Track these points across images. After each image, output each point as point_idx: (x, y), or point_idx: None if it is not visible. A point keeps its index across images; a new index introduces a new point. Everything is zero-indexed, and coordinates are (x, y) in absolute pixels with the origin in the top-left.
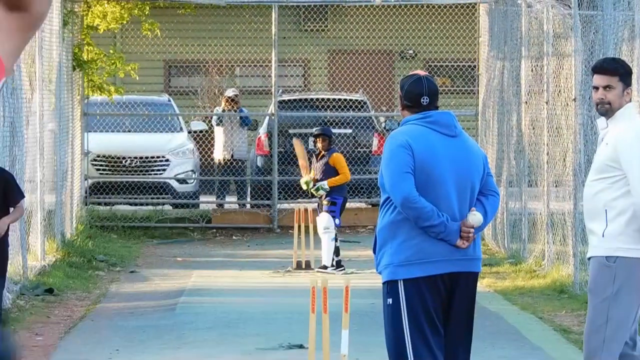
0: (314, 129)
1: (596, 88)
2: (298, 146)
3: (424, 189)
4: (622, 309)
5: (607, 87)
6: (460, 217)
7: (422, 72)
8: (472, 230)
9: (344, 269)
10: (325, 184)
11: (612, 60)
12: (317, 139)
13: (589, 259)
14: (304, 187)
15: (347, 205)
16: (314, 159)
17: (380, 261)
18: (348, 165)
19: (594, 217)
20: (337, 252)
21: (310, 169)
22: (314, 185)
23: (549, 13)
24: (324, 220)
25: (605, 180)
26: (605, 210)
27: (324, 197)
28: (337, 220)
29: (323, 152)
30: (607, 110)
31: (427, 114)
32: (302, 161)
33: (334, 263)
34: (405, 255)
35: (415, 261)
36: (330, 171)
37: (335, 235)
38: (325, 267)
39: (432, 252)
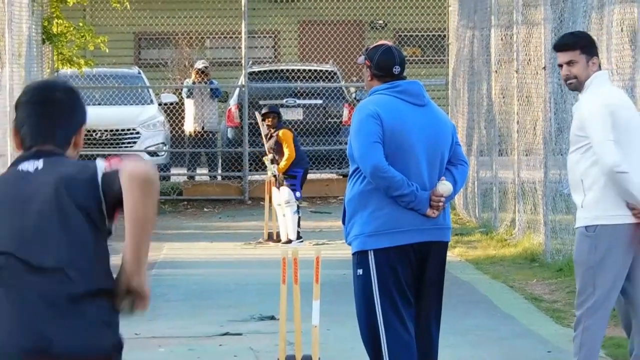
0: (262, 109)
1: (560, 66)
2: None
3: (393, 159)
4: (609, 277)
5: (570, 63)
6: (430, 186)
7: (389, 42)
8: (442, 199)
9: (302, 240)
10: (275, 169)
11: (570, 35)
12: (267, 118)
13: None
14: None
15: (318, 176)
16: (264, 140)
17: (350, 232)
18: (319, 136)
19: (574, 189)
20: (298, 223)
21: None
22: (271, 162)
23: None
24: (285, 194)
25: (577, 151)
26: (582, 180)
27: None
28: (297, 194)
29: (272, 132)
30: (575, 85)
31: (395, 83)
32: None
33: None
34: (374, 225)
35: (385, 231)
36: (281, 148)
37: (298, 207)
38: (290, 241)
39: (402, 222)
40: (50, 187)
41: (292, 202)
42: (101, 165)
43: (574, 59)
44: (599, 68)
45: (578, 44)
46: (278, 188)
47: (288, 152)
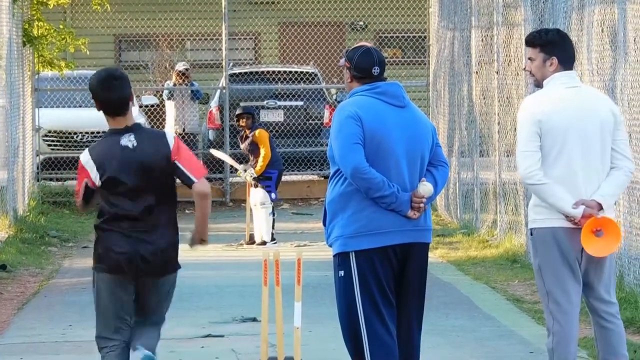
0: (237, 110)
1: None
2: (218, 154)
3: (373, 160)
4: (551, 280)
5: (529, 59)
6: (411, 187)
7: (368, 44)
8: (423, 200)
9: (275, 242)
10: (252, 172)
11: (537, 32)
12: (240, 119)
13: None
14: (242, 176)
15: (300, 177)
16: (240, 143)
17: (331, 233)
18: (300, 138)
19: None
20: (272, 225)
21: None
22: (245, 171)
23: None
24: (260, 196)
25: None
26: None
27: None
28: (272, 195)
29: (247, 133)
30: (535, 82)
31: (375, 85)
32: (230, 161)
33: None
34: (355, 226)
35: (366, 232)
36: (257, 149)
37: (273, 209)
38: (264, 243)
39: (382, 223)
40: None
41: (267, 204)
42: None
43: (532, 56)
44: (559, 67)
45: (536, 41)
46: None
47: (264, 151)
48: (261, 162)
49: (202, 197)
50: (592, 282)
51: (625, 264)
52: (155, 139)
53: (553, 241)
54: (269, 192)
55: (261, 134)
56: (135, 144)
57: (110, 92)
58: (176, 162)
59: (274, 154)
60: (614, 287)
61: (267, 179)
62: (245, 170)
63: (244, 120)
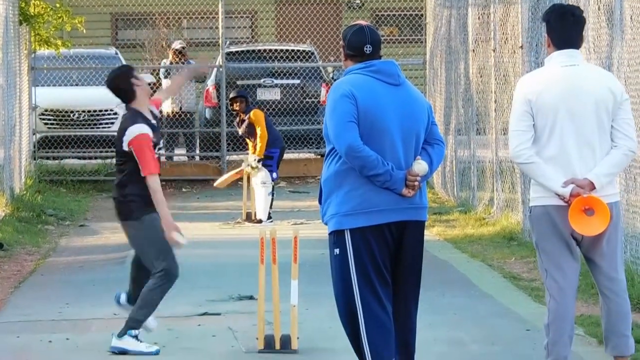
0: (231, 93)
1: None
2: (222, 182)
3: (368, 138)
4: (547, 257)
5: None
6: (406, 165)
7: (363, 22)
8: (418, 178)
9: (271, 221)
10: (252, 158)
11: (548, 8)
12: (234, 103)
13: None
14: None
15: (296, 156)
16: (238, 128)
17: (326, 211)
18: (297, 116)
19: None
20: (270, 204)
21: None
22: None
23: None
24: (261, 175)
25: None
26: None
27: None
28: (274, 174)
29: (242, 116)
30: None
31: (370, 63)
32: (232, 175)
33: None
34: (351, 205)
35: (361, 211)
36: (254, 130)
37: (273, 188)
38: (260, 221)
39: (378, 201)
40: None
41: (268, 183)
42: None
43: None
44: (553, 47)
45: (542, 18)
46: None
47: (260, 131)
48: (259, 143)
49: (151, 191)
50: (594, 258)
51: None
52: (123, 124)
53: (547, 219)
54: (271, 171)
55: (256, 115)
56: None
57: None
58: (132, 150)
59: (273, 133)
60: (622, 262)
61: (269, 158)
62: (248, 165)
63: (238, 104)
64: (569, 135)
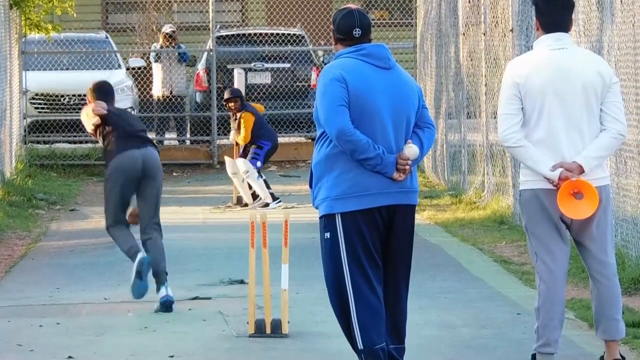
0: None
1: None
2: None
3: (359, 122)
4: (536, 240)
5: None
6: (397, 149)
7: (353, 6)
8: (408, 162)
9: (280, 200)
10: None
11: None
12: (229, 103)
13: None
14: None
15: (287, 140)
16: (233, 129)
17: (317, 195)
18: (287, 100)
19: None
20: (267, 185)
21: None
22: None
23: None
24: (240, 166)
25: None
26: None
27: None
28: (258, 163)
29: (237, 115)
30: None
31: (360, 46)
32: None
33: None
34: (341, 188)
35: (351, 194)
36: (255, 128)
37: (259, 172)
38: (267, 205)
39: (368, 185)
40: None
41: (251, 170)
42: None
43: None
44: (542, 31)
45: (531, 2)
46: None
47: (244, 133)
48: (241, 142)
49: None
50: (584, 242)
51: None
52: None
53: (536, 202)
54: (256, 159)
55: (246, 117)
56: None
57: None
58: None
59: (266, 129)
60: (612, 246)
61: (259, 148)
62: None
63: (232, 103)
64: (557, 119)
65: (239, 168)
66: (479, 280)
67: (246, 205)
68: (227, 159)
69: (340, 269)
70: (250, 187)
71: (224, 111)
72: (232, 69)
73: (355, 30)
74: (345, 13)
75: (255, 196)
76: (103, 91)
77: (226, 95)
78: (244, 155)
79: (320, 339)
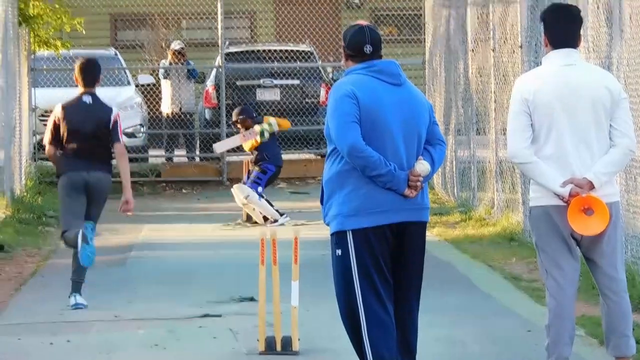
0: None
1: None
2: (222, 146)
3: (370, 138)
4: (547, 257)
5: None
6: (408, 166)
7: (363, 22)
8: (420, 178)
9: (286, 215)
10: (273, 123)
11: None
12: (239, 124)
13: None
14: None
15: (297, 156)
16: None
17: (328, 212)
18: (296, 117)
19: None
20: (270, 204)
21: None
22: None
23: None
24: (237, 193)
25: None
26: None
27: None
28: (259, 189)
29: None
30: None
31: (371, 63)
32: (235, 141)
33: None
34: (353, 205)
35: (363, 211)
36: (258, 147)
37: (259, 194)
38: (275, 221)
39: (380, 202)
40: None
41: (251, 194)
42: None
43: None
44: (550, 47)
45: (540, 17)
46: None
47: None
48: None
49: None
50: (594, 258)
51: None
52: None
53: (547, 219)
54: (257, 184)
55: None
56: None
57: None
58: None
59: (275, 150)
60: (622, 262)
61: (263, 172)
62: (257, 134)
63: (243, 124)
64: (566, 134)
65: (237, 196)
66: (489, 296)
67: (275, 221)
68: (233, 190)
69: (351, 286)
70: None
71: (233, 128)
72: (242, 86)
73: (366, 47)
74: (356, 30)
75: (266, 218)
76: (88, 70)
77: (235, 116)
78: (249, 176)
79: (331, 356)
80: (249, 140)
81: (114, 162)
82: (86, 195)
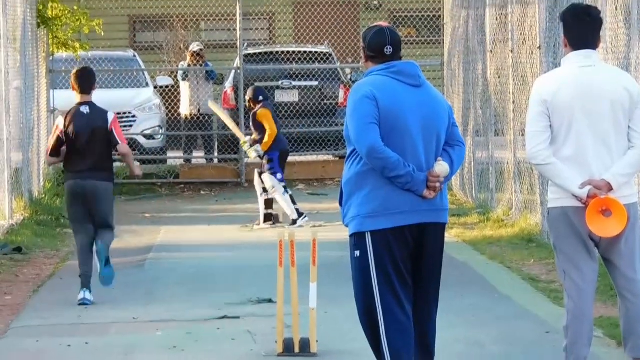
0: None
1: None
2: (215, 108)
3: (389, 139)
4: (564, 258)
5: None
6: (427, 167)
7: (384, 24)
8: (439, 180)
9: (305, 216)
10: (258, 147)
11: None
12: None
13: None
14: (245, 148)
15: (315, 158)
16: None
17: (347, 213)
18: (315, 118)
19: None
20: (293, 201)
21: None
22: (251, 146)
23: None
24: (267, 181)
25: None
26: None
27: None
28: (279, 175)
29: (255, 107)
30: None
31: (391, 64)
32: (229, 123)
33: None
34: (372, 206)
35: (382, 212)
36: (260, 127)
37: (285, 187)
38: (294, 222)
39: (399, 203)
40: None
41: (277, 186)
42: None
43: None
44: (569, 48)
45: (560, 18)
46: (260, 174)
47: (269, 129)
48: (268, 139)
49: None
50: (612, 259)
51: None
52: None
53: (565, 220)
54: (274, 173)
55: (263, 113)
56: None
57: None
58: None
59: (275, 139)
60: None
61: (270, 162)
62: (251, 146)
63: (249, 102)
64: (585, 136)
65: (266, 183)
66: (507, 298)
67: (294, 222)
68: (256, 177)
69: (370, 287)
70: (266, 205)
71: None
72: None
73: (387, 48)
74: (377, 31)
75: (267, 217)
76: (84, 78)
77: (248, 93)
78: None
79: (349, 358)
80: (249, 150)
81: (117, 165)
82: (86, 202)
